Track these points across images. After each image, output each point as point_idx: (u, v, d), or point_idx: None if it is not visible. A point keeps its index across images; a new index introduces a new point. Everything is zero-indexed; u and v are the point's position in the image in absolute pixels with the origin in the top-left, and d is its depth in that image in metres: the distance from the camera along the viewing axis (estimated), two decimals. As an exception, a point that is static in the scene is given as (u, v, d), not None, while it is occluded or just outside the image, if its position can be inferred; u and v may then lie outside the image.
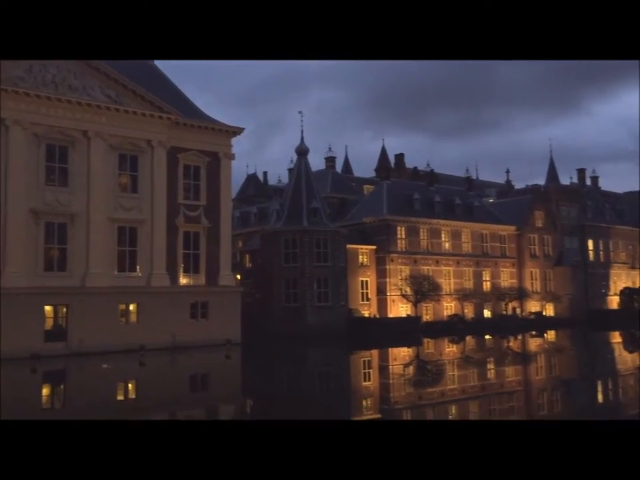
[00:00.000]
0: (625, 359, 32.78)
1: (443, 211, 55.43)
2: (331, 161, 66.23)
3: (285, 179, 59.97)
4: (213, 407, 19.22)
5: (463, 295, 54.12)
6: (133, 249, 36.35)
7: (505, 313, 56.39)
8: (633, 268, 67.79)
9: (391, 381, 24.36)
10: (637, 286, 65.80)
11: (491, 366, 29.46)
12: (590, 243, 64.25)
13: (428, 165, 66.11)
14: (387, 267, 50.74)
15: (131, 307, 35.67)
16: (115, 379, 25.99)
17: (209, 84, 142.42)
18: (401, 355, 36.25)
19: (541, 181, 71.77)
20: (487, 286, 56.57)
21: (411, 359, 33.81)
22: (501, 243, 58.38)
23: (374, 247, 51.05)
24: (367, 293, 50.64)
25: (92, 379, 26.54)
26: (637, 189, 79.90)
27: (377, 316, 50.11)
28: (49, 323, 33.05)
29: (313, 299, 45.95)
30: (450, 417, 15.93)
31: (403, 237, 52.12)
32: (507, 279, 58.19)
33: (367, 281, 50.71)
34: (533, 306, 58.61)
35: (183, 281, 38.09)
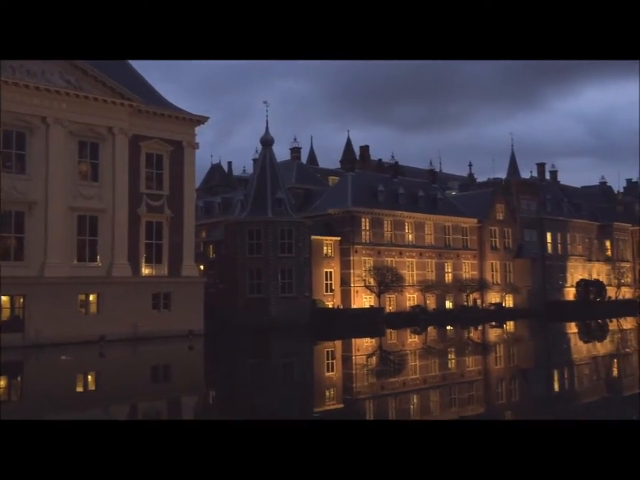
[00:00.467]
0: (580, 348, 33.78)
1: (406, 203, 55.93)
2: (296, 151, 66.02)
3: (250, 169, 59.55)
4: (174, 398, 19.06)
5: (425, 287, 54.83)
6: (94, 239, 35.64)
7: (466, 304, 57.37)
8: (588, 260, 69.74)
9: (353, 372, 24.55)
10: (593, 278, 67.75)
11: (451, 356, 29.98)
12: (548, 236, 65.78)
13: (392, 157, 66.68)
14: (351, 258, 51.01)
15: (91, 298, 35.03)
16: (73, 370, 25.50)
17: (174, 72, 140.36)
18: (364, 345, 36.56)
19: (503, 175, 73.17)
20: (448, 277, 57.40)
21: (373, 350, 34.14)
22: (462, 235, 59.27)
23: (338, 238, 51.23)
24: (330, 284, 50.84)
25: (50, 370, 25.98)
26: (594, 184, 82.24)
27: (341, 307, 50.39)
28: (5, 314, 32.21)
29: (277, 290, 45.89)
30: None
31: (367, 228, 52.42)
32: (468, 271, 59.15)
33: (331, 272, 50.90)
34: (493, 297, 59.78)
35: (145, 271, 37.57)
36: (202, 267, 46.61)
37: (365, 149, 72.75)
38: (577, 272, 67.41)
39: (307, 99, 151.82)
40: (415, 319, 50.04)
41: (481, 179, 76.53)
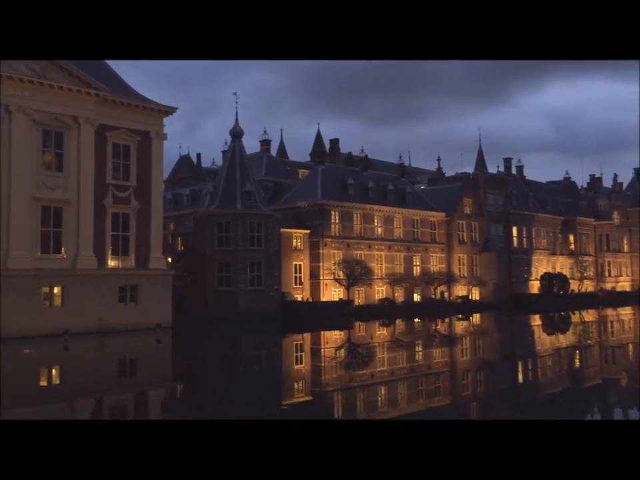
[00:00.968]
0: (544, 340, 34.53)
1: (376, 197, 56.20)
2: (265, 144, 65.71)
3: (219, 161, 59.09)
4: (141, 391, 18.87)
5: (393, 280, 55.27)
6: (58, 230, 34.93)
7: (433, 297, 58.04)
8: (553, 254, 71.22)
9: (322, 364, 24.66)
10: (557, 271, 69.24)
11: (419, 348, 30.35)
12: (514, 230, 66.93)
13: (362, 150, 66.91)
14: (321, 251, 51.09)
15: (55, 290, 34.36)
16: (37, 364, 24.99)
17: (142, 62, 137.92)
18: (332, 338, 36.71)
19: (471, 169, 73.86)
20: (417, 270, 57.96)
21: (342, 342, 34.32)
22: (431, 228, 59.87)
23: (308, 231, 51.23)
24: (300, 276, 50.85)
25: (13, 364, 25.42)
26: (559, 179, 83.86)
27: (310, 300, 50.46)
28: (-34, 307, 31.38)
29: (245, 283, 45.70)
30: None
31: (337, 221, 52.55)
32: (436, 264, 59.81)
33: (300, 265, 50.90)
34: (460, 290, 60.60)
35: (112, 263, 36.99)
36: (170, 260, 46.14)
37: (334, 142, 72.76)
38: (541, 265, 68.77)
39: (277, 92, 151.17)
40: (383, 311, 50.43)
41: (449, 173, 77.41)
